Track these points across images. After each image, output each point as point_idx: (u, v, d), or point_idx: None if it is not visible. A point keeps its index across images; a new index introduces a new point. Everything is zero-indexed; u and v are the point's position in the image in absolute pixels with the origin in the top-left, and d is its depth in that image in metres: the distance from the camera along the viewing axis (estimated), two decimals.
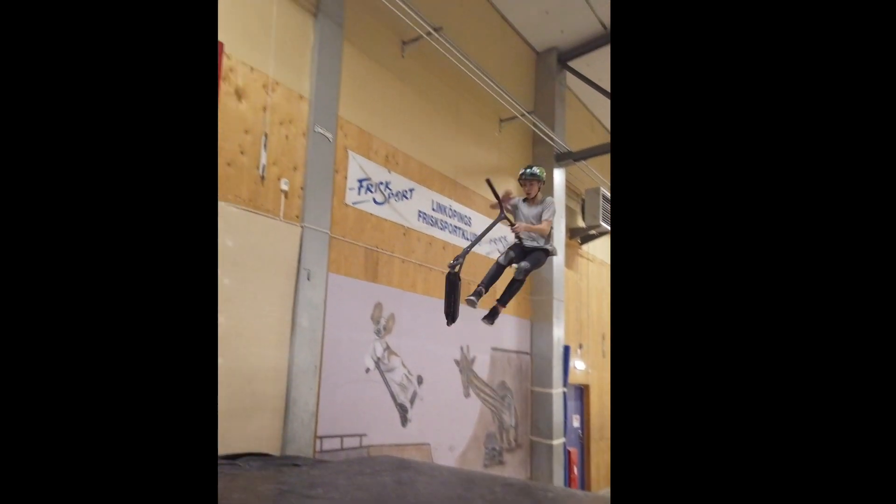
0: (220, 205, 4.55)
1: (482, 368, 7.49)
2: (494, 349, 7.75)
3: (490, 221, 4.71)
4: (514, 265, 4.60)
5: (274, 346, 4.87)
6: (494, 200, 4.58)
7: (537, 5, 8.28)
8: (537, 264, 4.54)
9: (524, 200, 4.63)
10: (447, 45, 6.48)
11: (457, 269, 4.21)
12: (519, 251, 4.53)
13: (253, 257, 4.76)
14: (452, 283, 4.28)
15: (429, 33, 6.34)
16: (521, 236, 4.55)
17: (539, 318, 8.60)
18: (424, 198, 6.82)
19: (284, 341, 4.96)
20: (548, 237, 4.58)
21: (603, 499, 2.91)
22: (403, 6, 5.84)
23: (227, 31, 4.67)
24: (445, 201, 7.15)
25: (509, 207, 4.65)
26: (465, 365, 7.16)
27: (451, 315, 4.36)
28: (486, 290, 4.46)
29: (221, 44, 4.59)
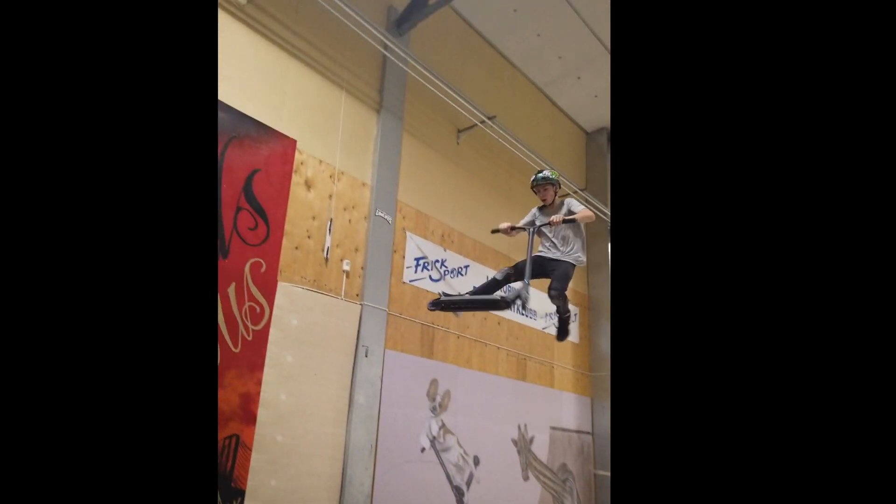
0: (287, 286, 4.76)
1: (541, 449, 7.10)
2: (553, 428, 7.37)
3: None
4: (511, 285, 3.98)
5: (331, 423, 4.86)
6: (509, 233, 4.18)
7: (586, 91, 8.53)
8: (566, 279, 3.89)
9: (540, 209, 4.13)
10: (500, 130, 6.72)
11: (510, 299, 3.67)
12: (536, 265, 3.90)
13: (315, 335, 4.88)
14: (490, 301, 3.81)
15: (483, 121, 6.62)
16: (543, 247, 4.05)
17: (600, 396, 8.15)
18: (479, 274, 6.84)
19: (342, 418, 4.95)
20: (576, 244, 3.95)
21: None
22: (459, 99, 6.18)
23: (300, 129, 5.10)
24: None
25: (524, 226, 4.17)
26: (523, 445, 6.82)
27: (452, 305, 3.90)
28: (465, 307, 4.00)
29: (294, 140, 5.00)
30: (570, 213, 3.90)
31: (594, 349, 8.45)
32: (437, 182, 6.57)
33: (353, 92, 5.73)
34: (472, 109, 6.44)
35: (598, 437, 8.01)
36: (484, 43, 7.61)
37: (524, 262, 3.95)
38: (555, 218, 3.79)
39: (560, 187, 4.15)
